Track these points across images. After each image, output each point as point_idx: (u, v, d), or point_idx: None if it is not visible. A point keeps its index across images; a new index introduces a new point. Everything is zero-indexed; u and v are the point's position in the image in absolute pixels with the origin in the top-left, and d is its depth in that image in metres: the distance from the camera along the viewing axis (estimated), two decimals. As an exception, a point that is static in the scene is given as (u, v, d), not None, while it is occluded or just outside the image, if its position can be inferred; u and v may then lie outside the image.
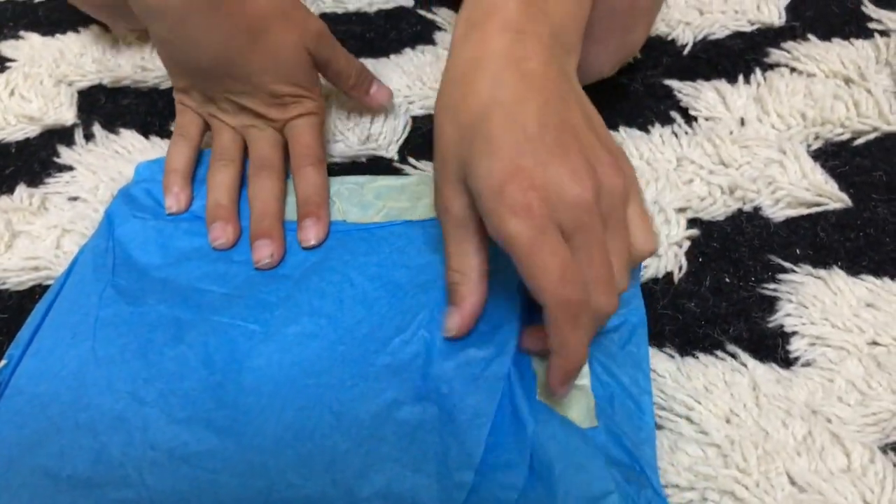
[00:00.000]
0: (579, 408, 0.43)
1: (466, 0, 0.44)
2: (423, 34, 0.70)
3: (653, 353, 0.49)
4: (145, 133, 0.63)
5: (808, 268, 0.53)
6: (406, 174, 0.59)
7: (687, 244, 0.54)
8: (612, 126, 0.62)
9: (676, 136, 0.61)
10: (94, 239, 0.52)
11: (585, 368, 0.45)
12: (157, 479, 0.39)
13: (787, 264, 0.53)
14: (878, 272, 0.53)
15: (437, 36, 0.70)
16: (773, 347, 0.49)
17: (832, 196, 0.57)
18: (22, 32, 0.72)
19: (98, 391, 0.43)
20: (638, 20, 0.55)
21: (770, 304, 0.51)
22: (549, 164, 0.38)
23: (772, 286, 0.52)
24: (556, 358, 0.39)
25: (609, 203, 0.39)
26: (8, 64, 0.69)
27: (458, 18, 0.43)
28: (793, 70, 0.65)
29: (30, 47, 0.70)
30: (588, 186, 0.38)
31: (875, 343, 0.49)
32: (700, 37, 0.69)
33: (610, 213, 0.39)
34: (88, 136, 0.63)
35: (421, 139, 0.62)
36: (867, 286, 0.52)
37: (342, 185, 0.55)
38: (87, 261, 0.50)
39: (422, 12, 0.72)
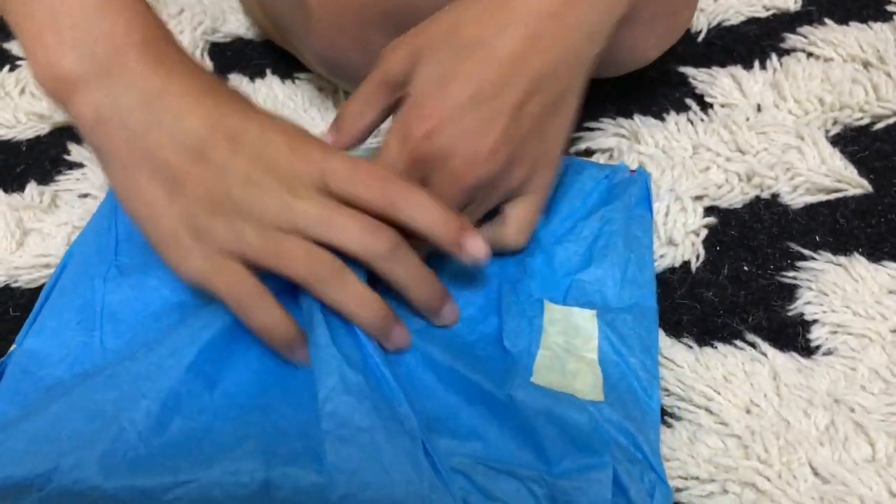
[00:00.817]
0: (584, 381, 0.43)
1: None
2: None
3: (671, 343, 0.48)
4: (155, 129, 0.63)
5: (829, 255, 0.52)
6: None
7: (704, 232, 0.53)
8: (627, 114, 0.61)
9: (692, 123, 0.60)
10: (95, 218, 0.51)
11: (593, 343, 0.44)
12: (154, 433, 0.39)
13: (806, 251, 0.52)
14: (900, 258, 0.52)
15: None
16: (793, 336, 0.48)
17: (852, 182, 0.55)
18: (32, 31, 0.71)
19: (103, 382, 0.42)
20: (684, 1, 0.54)
21: (790, 292, 0.51)
22: (467, 134, 0.40)
23: (791, 274, 0.51)
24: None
25: (484, 195, 0.43)
26: (18, 62, 0.69)
27: None
28: (809, 55, 0.64)
29: (39, 45, 0.70)
30: (477, 175, 0.41)
31: (898, 330, 0.48)
32: (714, 23, 0.68)
33: (479, 200, 0.43)
34: (99, 133, 0.63)
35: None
36: (889, 272, 0.51)
37: None
38: (90, 240, 0.50)
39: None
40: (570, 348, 0.44)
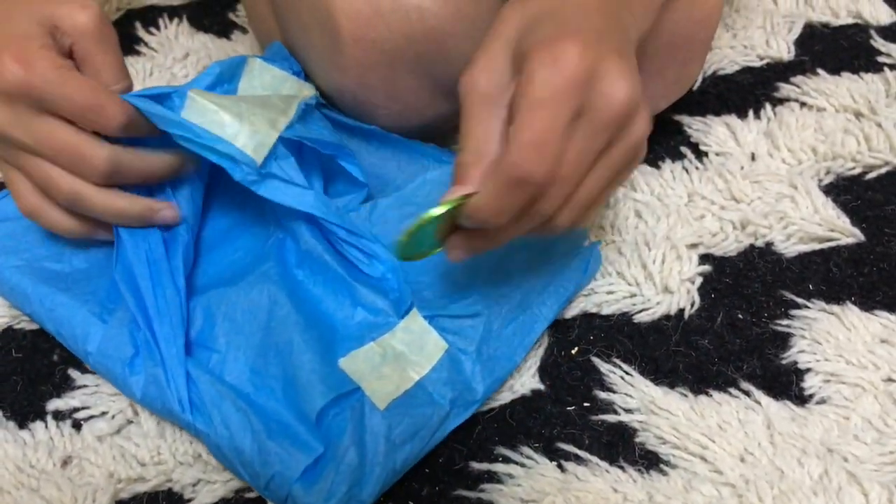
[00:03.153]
0: (382, 387, 0.44)
1: None
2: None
3: (665, 391, 0.48)
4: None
5: (822, 303, 0.53)
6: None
7: (699, 280, 0.54)
8: (623, 162, 0.62)
9: (687, 171, 0.61)
10: None
11: (425, 367, 0.46)
12: (81, 260, 0.51)
13: (800, 300, 0.53)
14: (892, 307, 0.52)
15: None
16: (787, 384, 0.49)
17: (844, 231, 0.56)
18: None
19: None
20: (695, 53, 0.55)
21: (783, 340, 0.51)
22: (609, 54, 0.37)
23: (785, 322, 0.52)
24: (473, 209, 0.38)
25: (624, 127, 0.38)
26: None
27: None
28: (803, 104, 0.65)
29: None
30: (632, 91, 0.37)
31: (891, 380, 0.49)
32: (709, 72, 0.69)
33: (618, 137, 0.38)
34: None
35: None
36: (881, 322, 0.51)
37: None
38: None
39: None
40: (401, 358, 0.45)
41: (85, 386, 0.50)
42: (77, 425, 0.49)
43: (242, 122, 0.45)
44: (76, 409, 0.49)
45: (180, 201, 0.49)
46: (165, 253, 0.47)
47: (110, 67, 0.45)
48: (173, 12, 0.77)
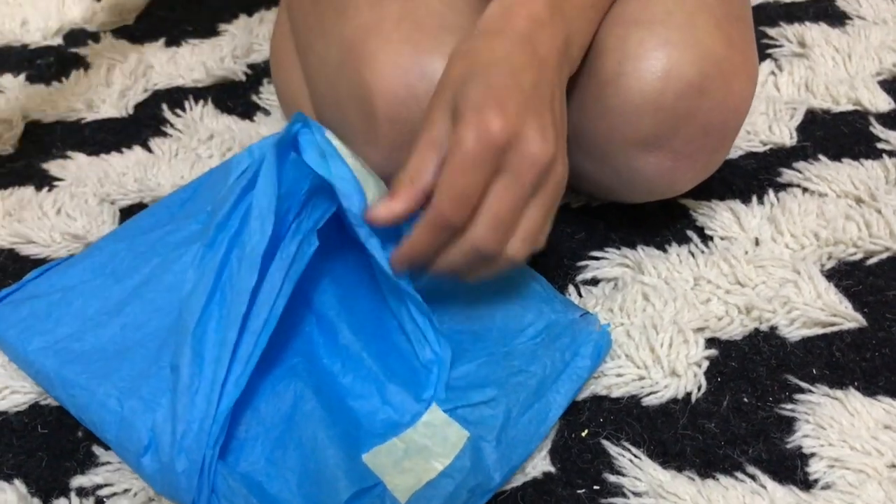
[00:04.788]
0: (403, 481, 0.46)
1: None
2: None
3: (673, 474, 0.50)
4: (183, 250, 0.66)
5: (825, 388, 0.54)
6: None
7: (706, 364, 0.56)
8: (631, 245, 0.64)
9: (693, 255, 0.63)
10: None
11: (448, 458, 0.47)
12: (97, 336, 0.50)
13: (804, 384, 0.54)
14: (894, 393, 0.54)
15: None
16: (792, 469, 0.50)
17: (847, 316, 0.58)
18: (69, 152, 0.76)
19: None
20: (726, 140, 0.57)
21: (788, 424, 0.52)
22: (528, 119, 0.43)
23: (790, 406, 0.53)
24: (406, 242, 0.46)
25: (546, 176, 0.45)
26: (56, 183, 0.73)
27: (490, 6, 0.47)
28: (805, 190, 0.68)
29: (77, 167, 0.74)
30: (549, 149, 0.43)
31: (894, 466, 0.50)
32: (714, 157, 0.72)
33: (542, 184, 0.45)
34: (129, 253, 0.66)
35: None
36: (884, 407, 0.53)
37: None
38: None
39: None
40: (423, 451, 0.46)
41: (108, 463, 0.52)
42: (100, 502, 0.50)
43: (367, 180, 0.47)
44: (99, 486, 0.51)
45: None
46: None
47: None
48: (199, 94, 0.80)
